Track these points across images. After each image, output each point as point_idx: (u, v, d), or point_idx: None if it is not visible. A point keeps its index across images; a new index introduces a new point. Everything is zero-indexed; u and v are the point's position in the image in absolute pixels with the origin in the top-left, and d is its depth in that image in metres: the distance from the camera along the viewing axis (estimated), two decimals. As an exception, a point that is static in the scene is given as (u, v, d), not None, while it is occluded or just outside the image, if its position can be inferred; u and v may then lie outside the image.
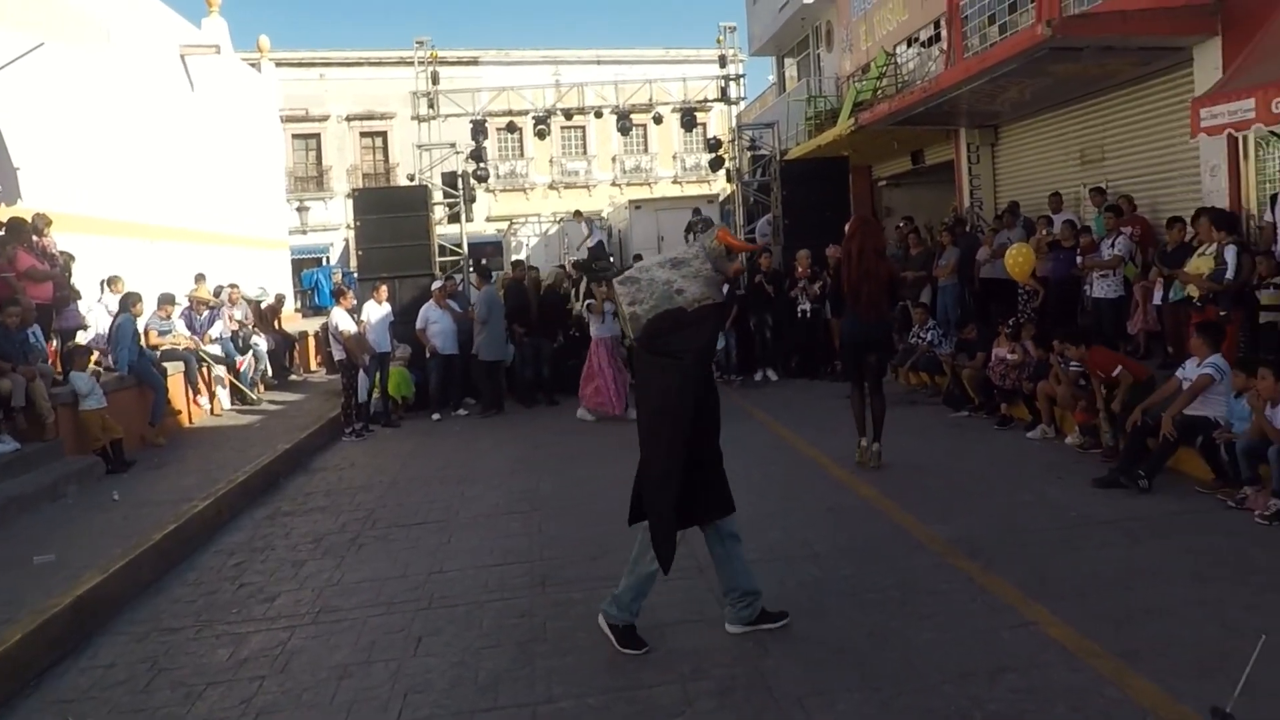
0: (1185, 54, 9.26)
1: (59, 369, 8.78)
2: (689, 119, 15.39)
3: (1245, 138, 8.38)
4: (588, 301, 10.89)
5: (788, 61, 24.52)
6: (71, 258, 9.46)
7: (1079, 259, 9.56)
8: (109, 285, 10.26)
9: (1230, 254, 7.17)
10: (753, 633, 4.37)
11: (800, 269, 12.12)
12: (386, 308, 11.12)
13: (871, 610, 4.51)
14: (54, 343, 9.04)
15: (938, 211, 15.65)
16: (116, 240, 11.74)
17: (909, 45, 16.45)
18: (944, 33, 14.82)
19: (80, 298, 9.62)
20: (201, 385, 11.17)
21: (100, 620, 5.05)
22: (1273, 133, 7.56)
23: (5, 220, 8.64)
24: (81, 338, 9.68)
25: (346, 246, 28.63)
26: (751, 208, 15.20)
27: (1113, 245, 9.17)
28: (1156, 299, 8.58)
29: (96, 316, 10.33)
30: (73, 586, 5.09)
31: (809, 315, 11.50)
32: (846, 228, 7.82)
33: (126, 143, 12.52)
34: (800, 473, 7.49)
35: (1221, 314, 7.22)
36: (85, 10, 11.34)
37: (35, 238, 8.75)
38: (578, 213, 18.23)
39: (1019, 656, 3.91)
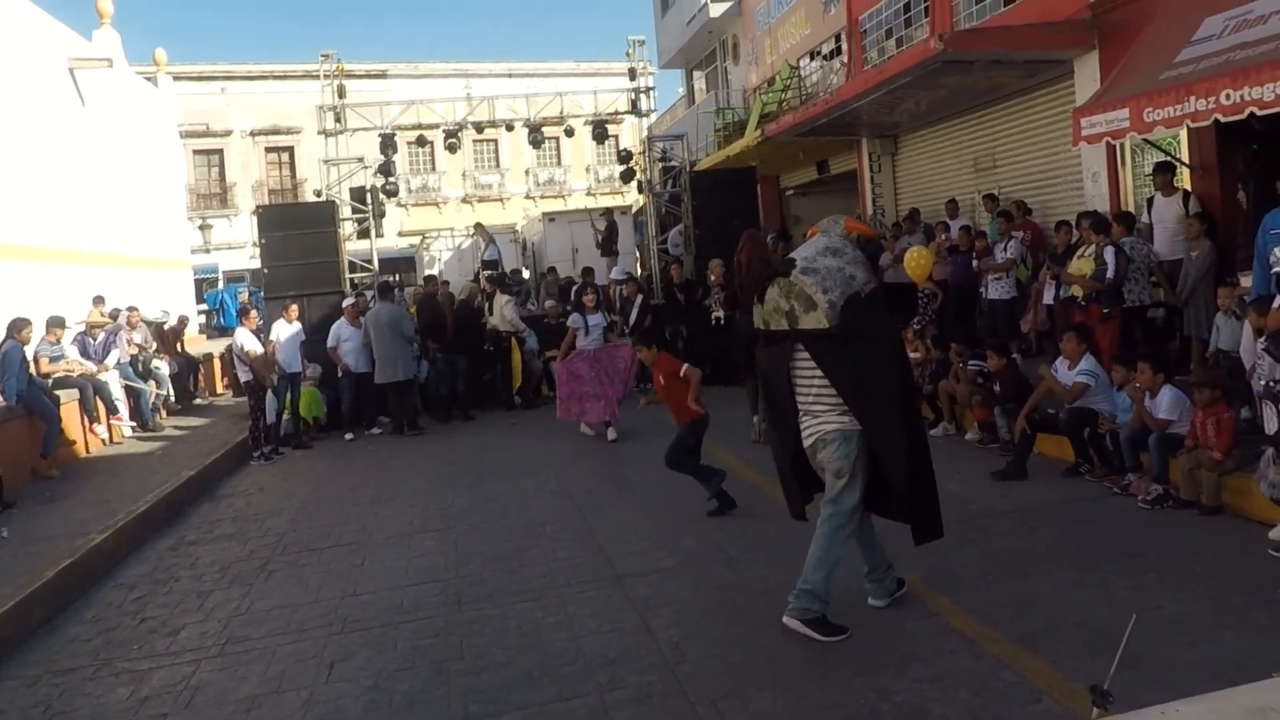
0: (1066, 67, 9.79)
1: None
2: (600, 131, 15.48)
3: (1122, 145, 8.90)
4: (572, 315, 10.30)
5: (696, 74, 24.89)
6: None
7: (975, 262, 9.98)
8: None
9: (1109, 254, 7.61)
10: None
11: (714, 278, 12.28)
12: (297, 326, 10.85)
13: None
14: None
15: (844, 219, 16.08)
16: (5, 264, 11.16)
17: (812, 58, 16.90)
18: (844, 46, 15.30)
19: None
20: (99, 412, 10.67)
21: (-12, 665, 4.80)
22: (1146, 140, 8.05)
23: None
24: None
25: (257, 267, 27.67)
26: (664, 218, 15.36)
27: (1005, 249, 9.62)
28: (1048, 298, 9.01)
29: None
30: (-45, 631, 4.83)
31: (723, 323, 11.65)
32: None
33: (12, 160, 11.91)
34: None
35: (1105, 311, 7.64)
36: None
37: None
38: (478, 225, 18.13)
39: (924, 646, 4.07)
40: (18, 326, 9.08)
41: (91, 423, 10.48)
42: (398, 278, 13.99)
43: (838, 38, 15.70)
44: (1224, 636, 3.94)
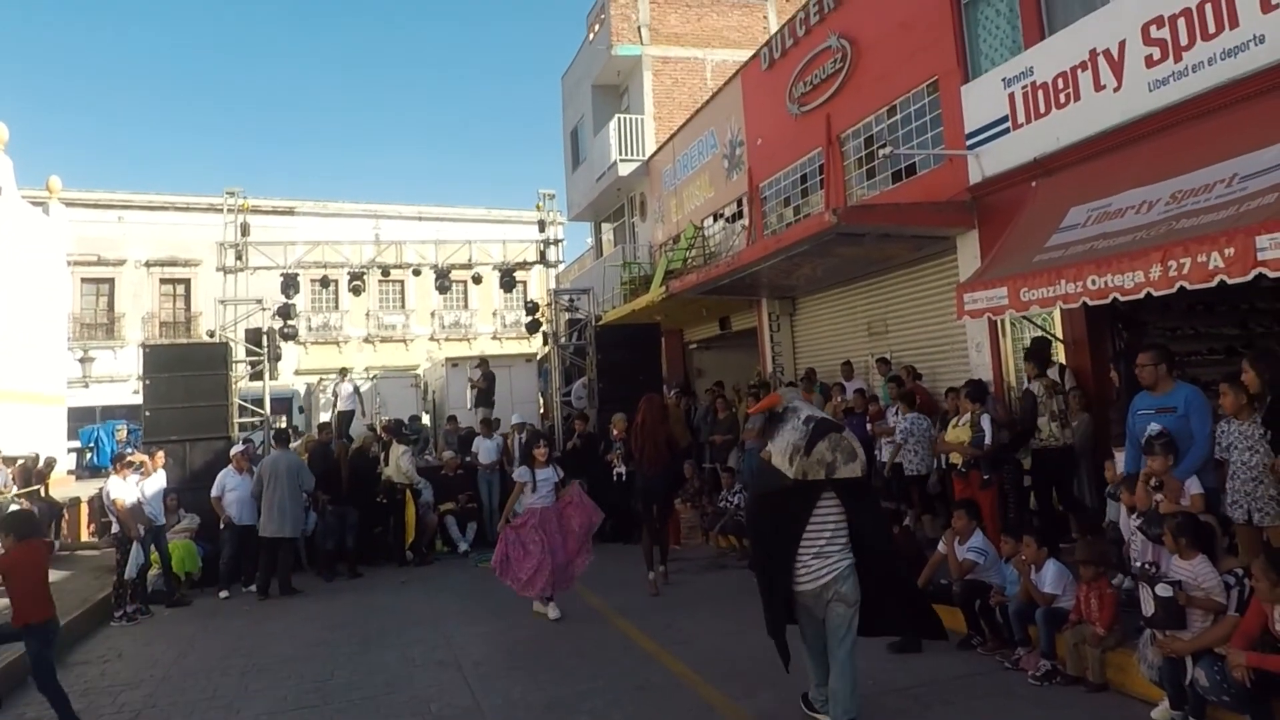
0: (950, 243, 10.49)
1: None
2: (508, 280, 15.65)
3: (1002, 320, 9.47)
4: (519, 469, 8.90)
5: (605, 226, 25.65)
6: None
7: (869, 425, 10.26)
8: None
9: (985, 421, 7.95)
10: None
11: (616, 432, 12.25)
12: (162, 476, 10.21)
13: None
14: None
15: (745, 374, 16.49)
16: None
17: (715, 219, 17.68)
18: (745, 210, 16.10)
19: None
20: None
21: None
22: (1024, 317, 8.58)
23: None
24: None
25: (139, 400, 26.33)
26: (568, 369, 15.42)
27: (897, 413, 9.93)
28: (938, 464, 9.26)
29: None
30: None
31: (624, 478, 11.56)
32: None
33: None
34: (610, 647, 7.27)
35: (985, 477, 7.89)
36: None
37: None
38: (343, 370, 17.79)
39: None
40: None
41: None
42: (284, 427, 13.36)
43: (739, 202, 16.51)
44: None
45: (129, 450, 12.08)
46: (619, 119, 21.77)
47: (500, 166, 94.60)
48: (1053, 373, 8.54)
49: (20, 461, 12.54)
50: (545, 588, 8.24)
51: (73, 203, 23.01)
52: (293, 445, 11.60)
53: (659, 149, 20.79)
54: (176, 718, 6.17)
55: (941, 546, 7.08)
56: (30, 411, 16.36)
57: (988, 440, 7.93)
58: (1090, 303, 6.88)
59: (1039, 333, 9.15)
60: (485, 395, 16.46)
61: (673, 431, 10.19)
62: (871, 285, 12.70)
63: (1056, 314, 8.91)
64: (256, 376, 13.06)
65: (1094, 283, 6.71)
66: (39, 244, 17.80)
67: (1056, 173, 8.81)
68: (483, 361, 17.55)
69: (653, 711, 5.67)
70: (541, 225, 16.02)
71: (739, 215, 16.55)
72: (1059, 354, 9.03)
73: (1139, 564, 5.59)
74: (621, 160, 21.44)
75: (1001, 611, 6.44)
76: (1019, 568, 6.41)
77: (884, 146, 11.32)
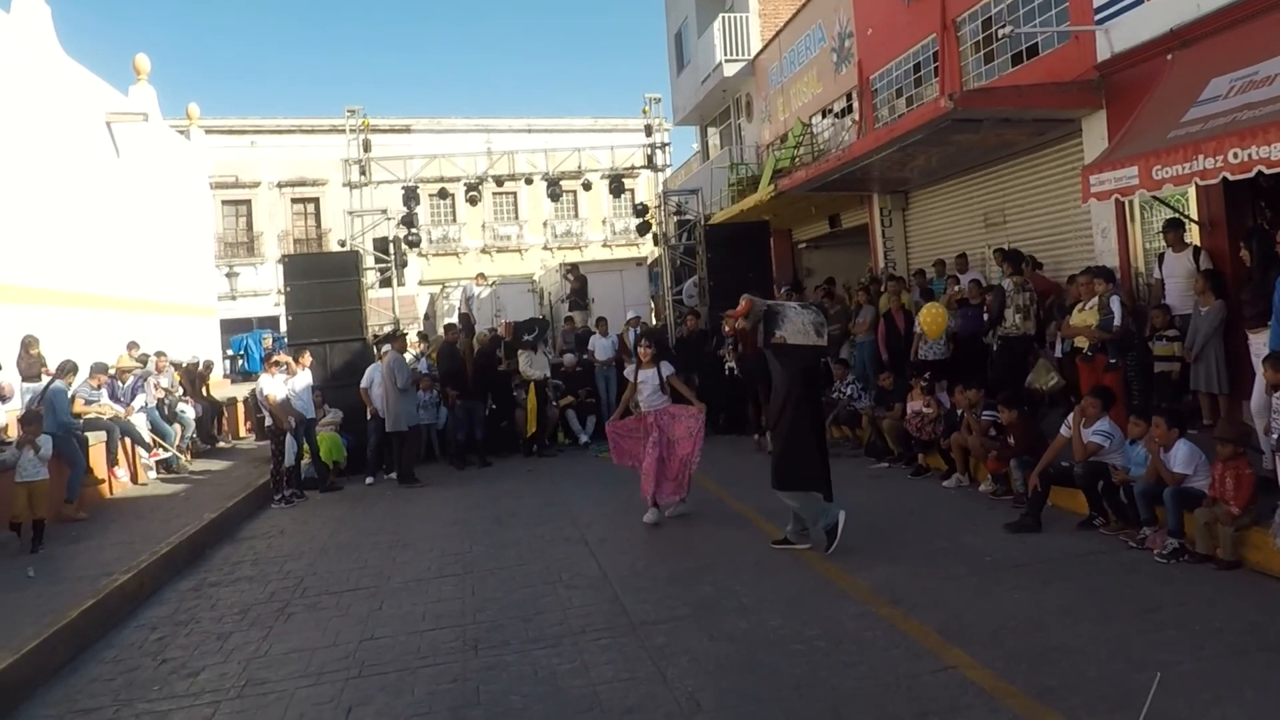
0: (1075, 125, 9.99)
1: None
2: (617, 185, 15.78)
3: (1131, 202, 9.04)
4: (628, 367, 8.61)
5: (711, 130, 25.35)
6: (-12, 326, 9.22)
7: (985, 315, 10.08)
8: (25, 348, 9.97)
9: (1115, 303, 7.70)
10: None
11: (728, 329, 12.41)
12: (308, 375, 11.04)
13: (799, 661, 4.63)
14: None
15: (854, 272, 16.28)
16: (39, 308, 11.45)
17: (824, 116, 17.24)
18: (855, 105, 15.62)
19: (1, 367, 9.33)
20: (122, 456, 10.85)
21: (11, 704, 4.86)
22: (1155, 197, 8.19)
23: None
24: (2, 409, 9.38)
25: (279, 312, 28.40)
26: (678, 270, 15.59)
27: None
28: (1058, 352, 9.08)
29: (13, 381, 9.97)
30: (-19, 669, 4.90)
31: (735, 373, 11.77)
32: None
33: (50, 209, 12.30)
34: (729, 527, 7.64)
35: (1111, 361, 7.70)
36: (5, 75, 11.24)
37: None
38: (569, 266, 18.46)
39: (941, 701, 4.05)
40: (65, 370, 9.31)
41: (113, 466, 10.64)
42: (415, 326, 14.19)
43: (849, 96, 16.04)
44: (1245, 694, 3.91)
45: (277, 351, 13.11)
46: (723, 18, 21.25)
47: (606, 74, 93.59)
48: (1187, 255, 8.18)
49: (184, 365, 13.80)
50: (650, 490, 7.86)
51: (210, 129, 24.31)
52: (419, 347, 12.30)
53: (764, 47, 20.27)
54: (335, 583, 6.87)
55: (1065, 429, 7.01)
56: (188, 322, 17.84)
57: (1116, 322, 7.72)
58: (1231, 178, 6.54)
59: (1171, 214, 8.72)
60: (580, 296, 16.92)
61: None
62: (989, 174, 12.26)
63: (1191, 193, 8.47)
64: (385, 283, 13.80)
65: (1235, 156, 6.36)
66: (184, 168, 19.01)
67: (1195, 43, 8.22)
68: (573, 267, 18.00)
69: (772, 583, 5.96)
70: (648, 130, 15.98)
71: (848, 110, 16.09)
72: (1193, 235, 8.60)
73: (1278, 438, 5.47)
74: (727, 61, 21.04)
75: (1126, 492, 6.42)
76: (1149, 448, 6.34)
77: (1004, 26, 10.74)
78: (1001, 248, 11.03)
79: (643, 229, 15.69)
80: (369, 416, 11.39)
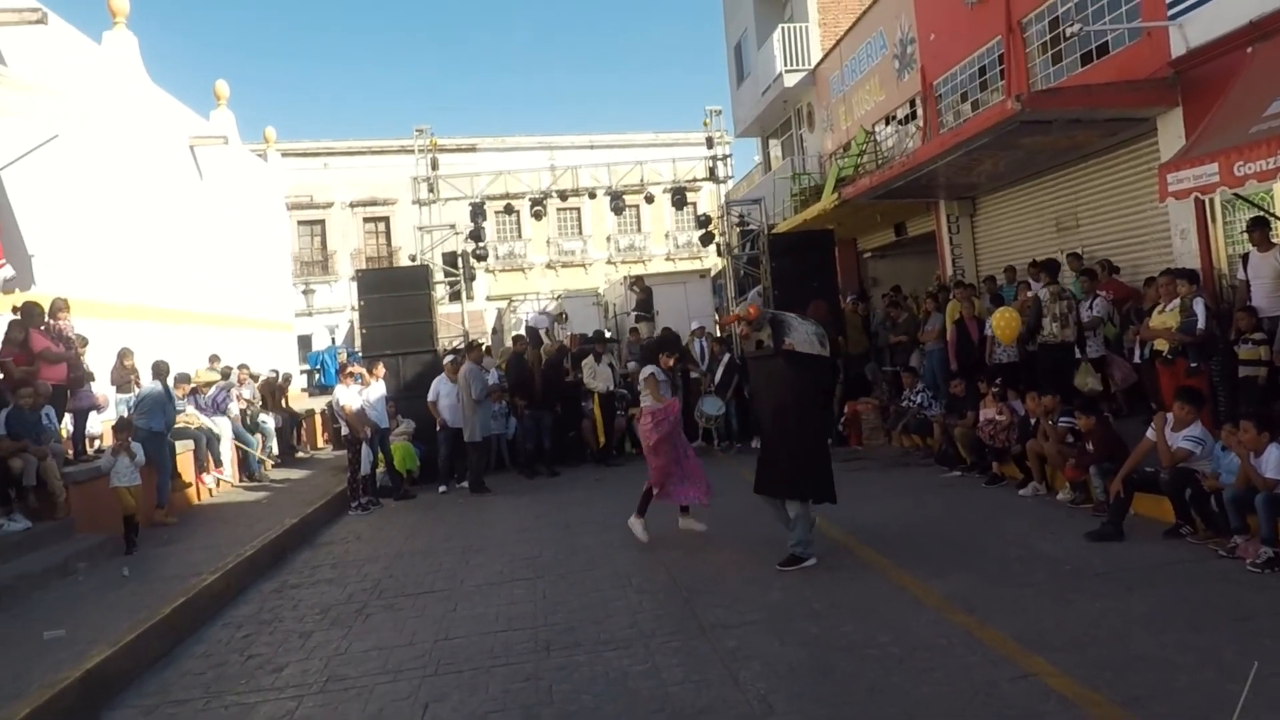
0: (1149, 124, 9.72)
1: (71, 449, 8.92)
2: (679, 197, 15.87)
3: (1211, 201, 8.76)
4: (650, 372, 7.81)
5: (772, 142, 25.30)
6: (85, 340, 9.70)
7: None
8: (120, 360, 10.48)
9: (1199, 305, 7.45)
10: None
11: (741, 330, 12.39)
12: (382, 386, 11.34)
13: (872, 666, 4.58)
14: (66, 422, 9.23)
15: (923, 280, 16.05)
16: (129, 324, 12.01)
17: (887, 123, 17.08)
18: (919, 111, 15.45)
19: (94, 379, 9.82)
20: (209, 463, 11.31)
21: (109, 694, 5.09)
22: (1237, 195, 7.92)
23: (20, 305, 8.91)
24: (95, 419, 9.86)
25: (351, 327, 29.39)
26: (742, 280, 15.59)
27: (1091, 307, 9.48)
28: (1136, 357, 8.83)
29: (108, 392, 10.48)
30: (82, 661, 5.14)
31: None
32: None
33: (138, 229, 12.90)
34: (799, 535, 7.58)
35: (1193, 366, 7.46)
36: (98, 103, 11.85)
37: (51, 320, 9.01)
38: (634, 278, 18.54)
39: (1020, 708, 3.96)
40: (161, 370, 9.76)
41: (201, 473, 11.09)
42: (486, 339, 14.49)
43: (912, 103, 15.88)
44: (1349, 709, 3.73)
45: (351, 362, 13.51)
46: (783, 29, 21.23)
47: (667, 89, 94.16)
48: (1273, 254, 7.88)
49: (263, 378, 14.31)
50: (673, 495, 7.71)
51: (286, 152, 25.25)
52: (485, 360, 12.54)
53: (825, 56, 20.19)
54: (410, 586, 7.04)
55: (1150, 434, 6.79)
56: (267, 337, 18.48)
57: (1200, 325, 7.47)
58: (1319, 172, 6.30)
59: (1256, 213, 8.42)
60: (645, 307, 17.03)
61: (832, 333, 11.61)
62: (1059, 177, 12.00)
63: (1277, 190, 8.17)
64: (454, 297, 14.13)
65: (1323, 150, 6.14)
66: (262, 190, 19.76)
67: (1276, 35, 7.95)
68: (638, 279, 18.15)
69: (843, 590, 5.91)
70: (709, 142, 16.07)
71: (912, 116, 15.93)
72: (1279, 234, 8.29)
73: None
74: (787, 71, 21.01)
75: (1215, 499, 6.20)
76: (1239, 453, 6.12)
77: (1072, 25, 10.53)
78: (1053, 257, 10.81)
79: (706, 239, 15.74)
80: (438, 428, 11.64)
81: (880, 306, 14.03)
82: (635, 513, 7.74)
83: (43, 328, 8.84)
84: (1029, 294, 10.58)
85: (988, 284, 12.33)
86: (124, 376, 10.37)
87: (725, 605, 5.79)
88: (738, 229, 15.88)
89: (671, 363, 7.98)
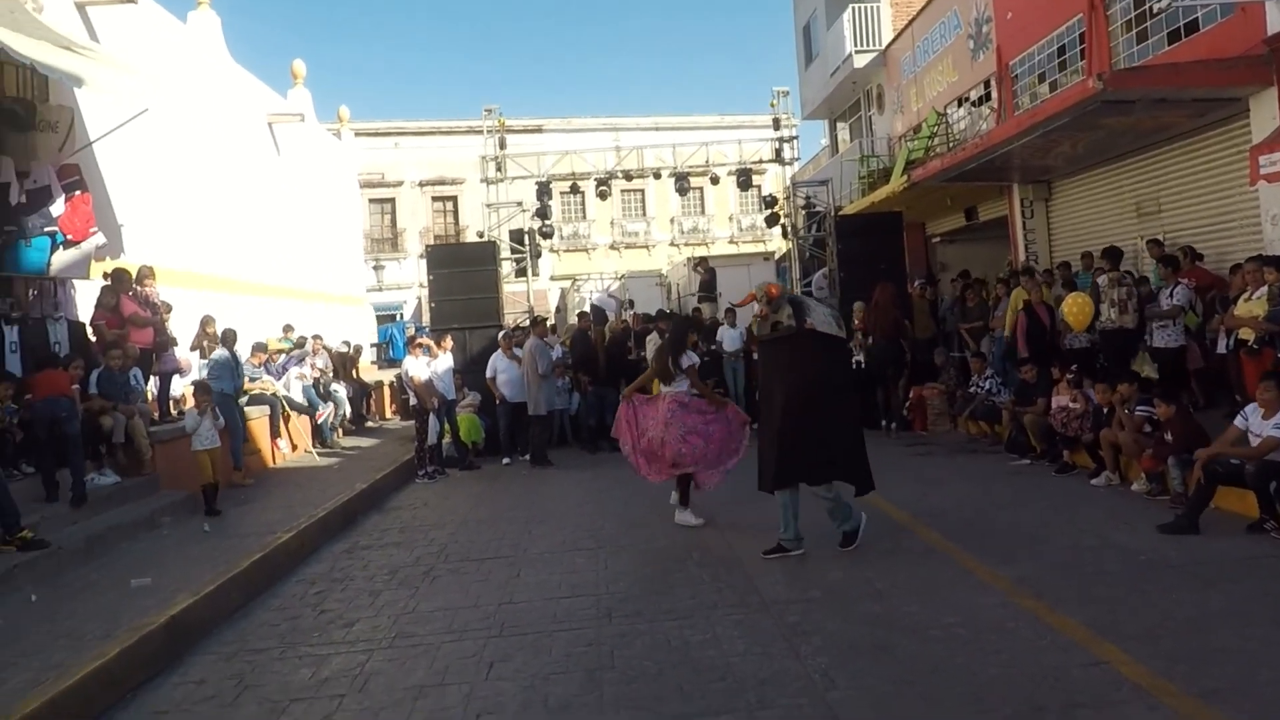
0: (1241, 105, 9.33)
1: (157, 410, 9.30)
2: (745, 179, 15.78)
3: (1307, 185, 8.38)
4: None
5: (840, 125, 24.96)
6: (169, 307, 10.09)
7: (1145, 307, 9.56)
8: (202, 327, 10.89)
9: (1290, 293, 7.16)
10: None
11: (857, 321, 12.25)
12: (449, 358, 11.54)
13: (937, 645, 4.54)
14: (152, 384, 9.64)
15: (993, 266, 15.70)
16: (210, 293, 12.44)
17: (959, 105, 16.70)
18: (994, 92, 15.06)
19: (177, 344, 10.23)
20: (282, 428, 11.71)
21: (191, 640, 5.33)
22: (1335, 180, 7.58)
23: (110, 271, 9.30)
24: (178, 382, 10.27)
25: (419, 303, 30.09)
26: (807, 263, 15.44)
27: (1171, 295, 9.17)
28: (1221, 347, 8.52)
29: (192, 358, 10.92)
30: (167, 608, 5.39)
31: (862, 366, 11.58)
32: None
33: (219, 203, 13.31)
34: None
35: None
36: (183, 80, 12.23)
37: (138, 287, 9.41)
38: (698, 259, 18.60)
39: (1092, 694, 3.88)
40: (230, 338, 10.13)
41: (275, 438, 11.48)
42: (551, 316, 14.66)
43: (986, 84, 15.49)
44: None
45: (420, 335, 13.81)
46: (853, 9, 20.91)
47: (733, 72, 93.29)
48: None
49: (336, 350, 14.72)
50: (650, 475, 7.55)
51: (359, 132, 25.74)
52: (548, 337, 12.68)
53: (896, 36, 19.82)
54: (475, 551, 7.20)
55: (1239, 422, 6.53)
56: (341, 311, 18.96)
57: (1290, 311, 7.18)
58: None
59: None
60: (708, 288, 16.97)
61: (899, 316, 12.18)
62: (1142, 160, 11.60)
63: (1380, 173, 7.78)
64: (520, 274, 14.31)
65: None
66: (336, 167, 20.20)
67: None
68: (702, 260, 18.11)
69: (906, 571, 5.85)
70: (776, 123, 15.92)
71: (986, 98, 15.55)
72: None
73: None
74: (857, 52, 20.71)
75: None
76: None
77: (1159, 0, 10.13)
78: (1162, 249, 10.40)
79: (771, 220, 15.63)
80: (497, 402, 11.82)
81: (950, 291, 13.75)
82: (679, 505, 7.66)
83: (131, 293, 9.22)
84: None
85: (1061, 270, 11.98)
86: (205, 342, 10.76)
87: (785, 582, 5.79)
88: (803, 211, 15.72)
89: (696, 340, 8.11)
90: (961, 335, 12.65)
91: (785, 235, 15.95)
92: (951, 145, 15.94)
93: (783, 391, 6.31)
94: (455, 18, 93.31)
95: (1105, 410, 8.16)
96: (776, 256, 19.73)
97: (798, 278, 15.20)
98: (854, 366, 11.77)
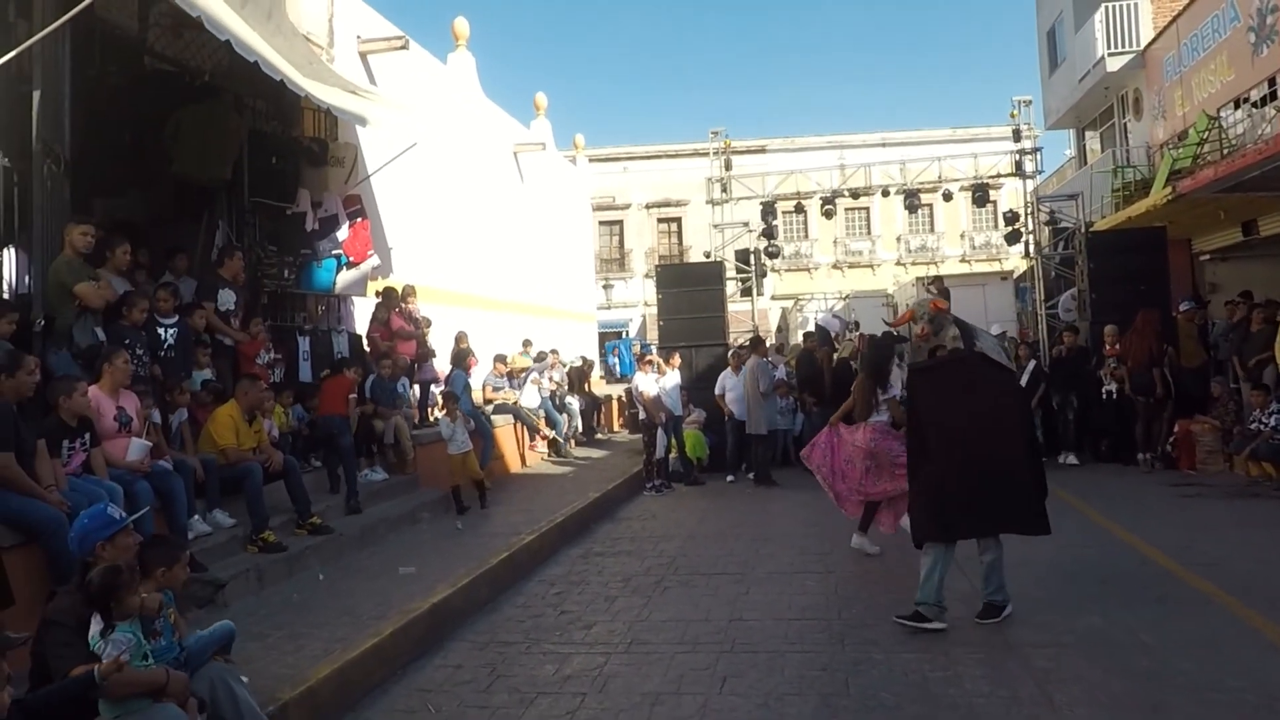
0: None
1: (417, 415, 10.26)
2: (981, 194, 15.04)
3: None
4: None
5: (1089, 134, 23.19)
6: (429, 322, 11.11)
7: None
8: (456, 342, 11.90)
9: None
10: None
11: (1108, 346, 11.29)
12: (677, 375, 11.82)
13: (1220, 712, 4.11)
14: (414, 392, 10.66)
15: (1274, 287, 13.90)
16: (461, 309, 13.54)
17: (1236, 107, 14.99)
18: (1282, 91, 13.41)
19: (436, 355, 11.24)
20: (523, 436, 12.53)
21: (450, 627, 5.80)
22: None
23: (381, 290, 10.40)
24: (435, 391, 11.28)
25: (643, 320, 31.21)
26: (1052, 283, 14.43)
27: None
28: None
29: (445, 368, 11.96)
30: (430, 595, 5.91)
31: (1114, 396, 10.64)
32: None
33: (471, 226, 14.45)
34: (1119, 559, 6.93)
35: None
36: (443, 115, 13.43)
37: (404, 304, 10.46)
38: (932, 278, 18.08)
39: None
40: (462, 358, 11.01)
41: (522, 445, 12.31)
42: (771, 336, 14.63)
43: (1271, 82, 13.81)
44: None
45: (647, 353, 14.29)
46: (1106, 8, 19.44)
47: (966, 86, 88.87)
48: None
49: (570, 365, 15.55)
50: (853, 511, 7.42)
51: (592, 158, 27.09)
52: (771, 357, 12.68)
53: (1158, 35, 18.19)
54: (704, 565, 7.31)
55: None
56: (574, 327, 19.99)
57: None
58: None
59: None
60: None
61: (1158, 344, 11.39)
62: None
63: None
64: (745, 293, 14.43)
65: None
66: (571, 192, 21.34)
67: None
68: (936, 279, 17.37)
69: (1179, 624, 5.33)
70: (1016, 134, 15.08)
71: (1271, 97, 13.85)
72: None
73: None
74: (1110, 54, 19.26)
75: None
76: None
77: None
78: None
79: (1012, 238, 14.76)
80: (726, 418, 11.96)
81: (1226, 315, 12.31)
82: (858, 530, 7.38)
83: (398, 310, 10.25)
84: None
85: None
86: (459, 356, 11.73)
87: (1034, 625, 5.43)
88: (1048, 227, 14.71)
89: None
90: (1234, 365, 11.32)
91: (1027, 254, 14.98)
92: (1226, 152, 14.33)
93: (953, 425, 5.48)
94: (678, 55, 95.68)
95: None
96: (1015, 276, 18.57)
97: (1041, 298, 14.23)
98: (1104, 396, 10.95)
